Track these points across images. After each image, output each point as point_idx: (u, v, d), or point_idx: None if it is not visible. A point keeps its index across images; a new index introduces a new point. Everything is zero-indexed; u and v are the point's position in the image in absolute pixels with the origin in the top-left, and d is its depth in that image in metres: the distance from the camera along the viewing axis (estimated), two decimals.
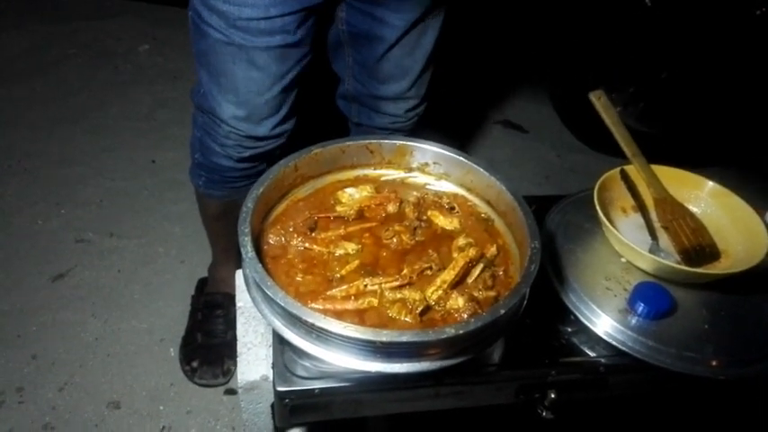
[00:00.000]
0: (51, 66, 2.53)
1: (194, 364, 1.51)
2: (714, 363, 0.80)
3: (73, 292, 1.70)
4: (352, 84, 1.32)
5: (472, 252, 0.82)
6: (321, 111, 1.45)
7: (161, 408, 1.47)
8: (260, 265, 0.70)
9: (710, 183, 0.98)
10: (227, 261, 1.57)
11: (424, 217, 0.89)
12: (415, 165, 0.94)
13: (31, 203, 1.94)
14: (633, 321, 0.83)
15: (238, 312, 0.93)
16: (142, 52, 2.66)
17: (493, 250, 0.84)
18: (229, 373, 1.52)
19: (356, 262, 0.81)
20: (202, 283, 1.67)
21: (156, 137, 2.23)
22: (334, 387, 0.77)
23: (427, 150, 0.92)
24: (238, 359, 0.87)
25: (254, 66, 1.09)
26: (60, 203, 1.95)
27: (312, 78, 1.21)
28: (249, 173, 1.28)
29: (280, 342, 0.80)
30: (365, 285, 0.77)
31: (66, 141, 2.18)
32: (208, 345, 1.54)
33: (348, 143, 0.90)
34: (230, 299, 1.56)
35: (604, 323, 0.83)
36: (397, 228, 0.86)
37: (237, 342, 0.89)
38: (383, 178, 0.94)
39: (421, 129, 1.42)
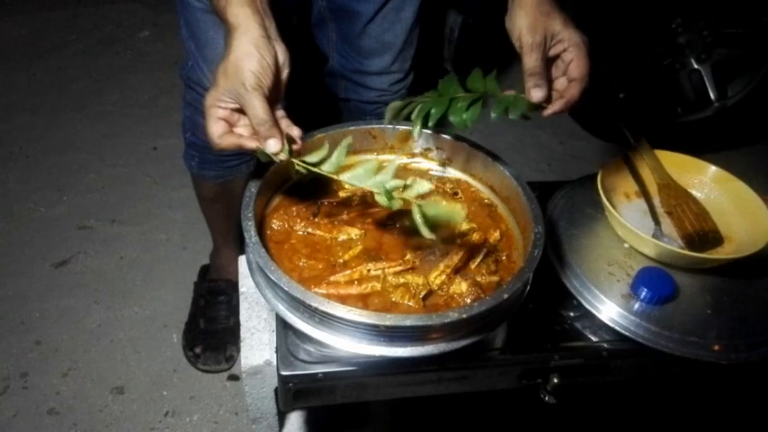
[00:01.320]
0: (52, 52, 2.52)
1: (197, 350, 1.52)
2: (716, 347, 0.80)
3: (76, 279, 1.70)
4: (337, 60, 1.34)
5: (476, 237, 0.82)
6: (310, 89, 1.45)
7: (164, 393, 1.48)
8: (263, 250, 0.70)
9: (714, 168, 0.98)
10: (226, 246, 1.57)
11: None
12: (417, 150, 0.94)
13: (33, 190, 1.94)
14: (636, 306, 0.83)
15: (242, 298, 0.93)
16: (143, 38, 2.65)
17: (496, 235, 0.84)
18: (232, 359, 1.53)
19: (359, 247, 0.81)
20: (205, 270, 1.68)
21: (158, 123, 2.22)
22: (337, 371, 0.77)
23: (430, 136, 0.92)
24: (242, 344, 0.87)
25: None
26: (62, 190, 1.95)
27: (300, 57, 1.22)
28: (240, 151, 1.29)
29: (283, 327, 0.80)
30: (368, 270, 0.77)
31: (67, 128, 2.18)
32: (210, 331, 1.54)
33: (350, 128, 0.90)
34: (233, 285, 1.56)
35: (607, 308, 0.83)
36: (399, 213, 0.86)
37: (241, 327, 0.89)
38: (386, 164, 0.94)
39: None
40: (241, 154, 1.31)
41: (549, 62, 0.81)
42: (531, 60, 0.78)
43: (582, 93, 0.79)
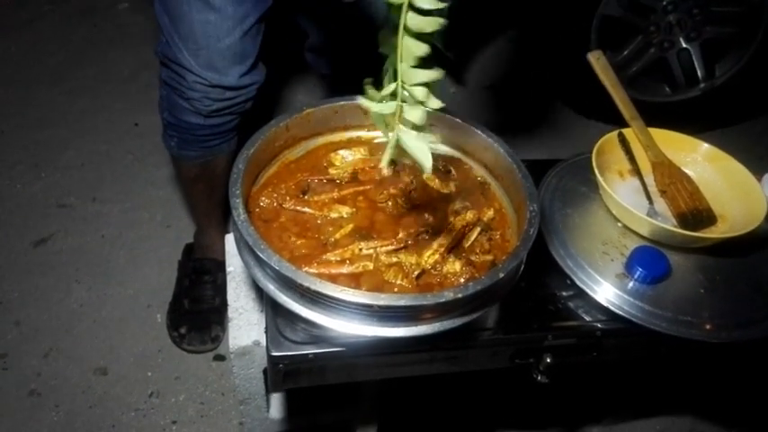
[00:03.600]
0: (26, 24, 2.43)
1: (182, 330, 1.50)
2: (709, 326, 0.80)
3: (56, 258, 1.66)
4: (316, 35, 1.30)
5: (469, 216, 0.80)
6: (291, 68, 1.42)
7: (149, 374, 1.45)
8: (252, 228, 0.68)
9: (707, 146, 0.97)
10: (209, 226, 1.54)
11: (420, 180, 0.87)
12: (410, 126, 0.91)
13: (10, 166, 1.88)
14: (630, 286, 0.82)
15: (229, 277, 0.91)
16: (122, 10, 2.57)
17: (490, 214, 0.83)
18: (218, 339, 1.51)
19: (350, 226, 0.79)
20: (189, 249, 1.65)
21: (139, 99, 2.16)
22: (328, 352, 0.75)
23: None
24: (230, 324, 0.85)
25: (210, 7, 1.06)
26: (40, 166, 1.89)
27: (280, 35, 1.19)
28: (221, 130, 1.26)
29: (273, 307, 0.78)
30: (360, 249, 0.75)
31: (44, 103, 2.11)
32: (195, 311, 1.52)
33: (341, 103, 0.87)
34: (218, 264, 1.54)
35: (601, 287, 0.82)
36: (391, 191, 0.83)
37: (228, 307, 0.87)
38: (377, 140, 0.91)
39: None
40: (221, 133, 1.27)
41: None
42: None
43: None
